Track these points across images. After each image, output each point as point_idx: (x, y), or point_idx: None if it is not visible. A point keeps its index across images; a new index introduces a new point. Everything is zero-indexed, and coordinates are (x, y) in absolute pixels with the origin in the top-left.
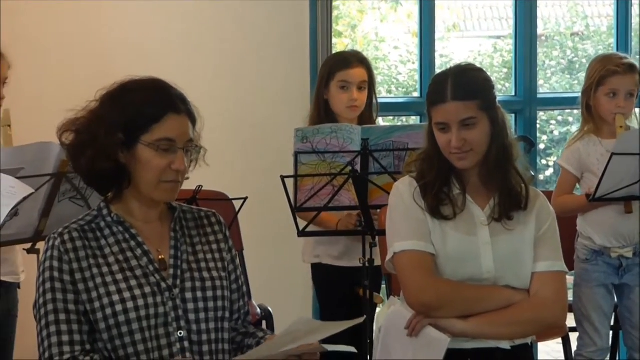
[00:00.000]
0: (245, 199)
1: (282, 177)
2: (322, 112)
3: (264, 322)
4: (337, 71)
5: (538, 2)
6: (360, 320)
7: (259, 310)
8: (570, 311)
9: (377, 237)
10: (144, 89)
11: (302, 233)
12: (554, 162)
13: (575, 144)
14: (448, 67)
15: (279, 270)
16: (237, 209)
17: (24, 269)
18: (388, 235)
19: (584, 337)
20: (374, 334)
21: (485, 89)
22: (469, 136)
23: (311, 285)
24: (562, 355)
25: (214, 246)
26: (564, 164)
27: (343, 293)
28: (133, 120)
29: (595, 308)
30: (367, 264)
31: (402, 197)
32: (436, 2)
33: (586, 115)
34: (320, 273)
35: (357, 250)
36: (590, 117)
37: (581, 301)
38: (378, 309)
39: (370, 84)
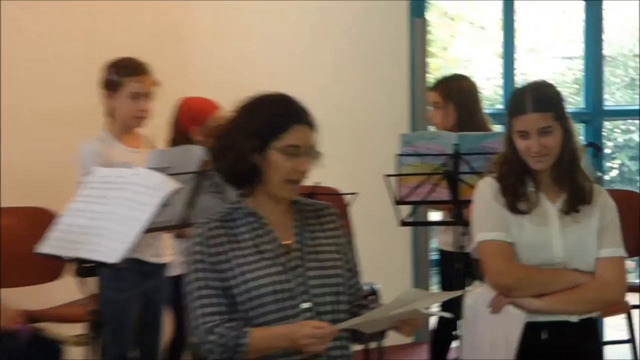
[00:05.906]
0: (356, 194)
1: (386, 176)
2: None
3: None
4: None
5: (604, 27)
6: (459, 293)
7: (365, 287)
8: (631, 291)
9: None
10: (275, 103)
11: (403, 223)
12: (618, 164)
13: None
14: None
15: (383, 255)
16: (348, 204)
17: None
18: (472, 227)
19: None
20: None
21: (558, 102)
22: (546, 142)
23: (409, 267)
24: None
25: (330, 233)
26: None
27: (452, 274)
28: (265, 128)
29: None
30: (458, 251)
31: (484, 194)
32: (516, 27)
33: None
34: (440, 257)
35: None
36: None
37: None
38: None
39: (445, 104)
